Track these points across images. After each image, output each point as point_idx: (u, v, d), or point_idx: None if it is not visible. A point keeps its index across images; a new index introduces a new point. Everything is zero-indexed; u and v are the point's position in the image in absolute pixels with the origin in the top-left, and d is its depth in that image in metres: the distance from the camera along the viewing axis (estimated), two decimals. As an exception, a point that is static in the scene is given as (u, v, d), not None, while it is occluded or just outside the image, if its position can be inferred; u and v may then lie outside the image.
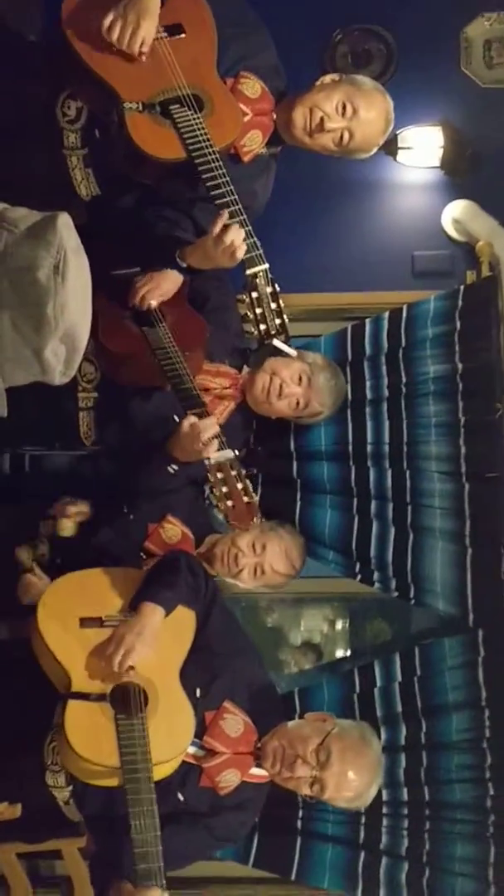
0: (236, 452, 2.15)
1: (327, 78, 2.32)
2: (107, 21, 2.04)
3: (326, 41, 3.16)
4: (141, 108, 2.07)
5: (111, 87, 2.08)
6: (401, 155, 3.03)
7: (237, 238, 2.03)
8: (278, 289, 2.03)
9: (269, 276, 2.03)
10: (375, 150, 2.39)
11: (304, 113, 2.26)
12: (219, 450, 2.12)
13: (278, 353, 2.17)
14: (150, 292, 2.23)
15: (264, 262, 2.04)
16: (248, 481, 2.09)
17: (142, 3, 2.05)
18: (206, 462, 2.12)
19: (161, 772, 2.05)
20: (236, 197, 2.05)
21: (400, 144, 3.00)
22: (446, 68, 3.12)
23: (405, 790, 2.73)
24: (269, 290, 2.01)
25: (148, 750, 1.99)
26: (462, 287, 2.94)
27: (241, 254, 2.03)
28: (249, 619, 3.59)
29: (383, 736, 2.68)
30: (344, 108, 2.24)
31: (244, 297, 2.04)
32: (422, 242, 3.07)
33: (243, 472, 2.10)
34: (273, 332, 2.03)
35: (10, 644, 2.40)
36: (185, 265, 2.19)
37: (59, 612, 2.15)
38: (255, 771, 2.23)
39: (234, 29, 2.21)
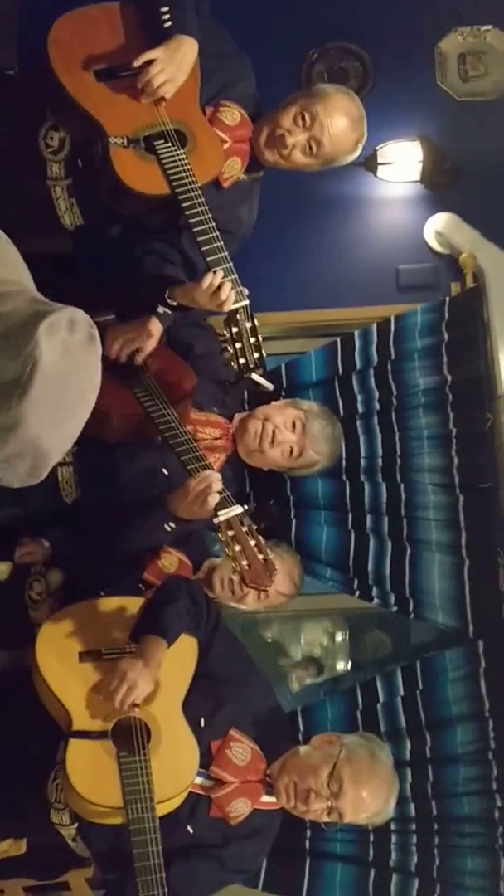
0: (245, 507, 2.07)
1: (287, 97, 2.33)
2: (151, 61, 2.03)
3: (302, 60, 3.19)
4: (126, 143, 2.08)
5: (97, 120, 2.09)
6: (381, 171, 3.04)
7: (229, 291, 2.04)
8: (257, 324, 2.04)
9: (249, 311, 2.05)
10: (357, 150, 2.36)
11: (266, 134, 2.27)
12: (226, 506, 2.04)
13: (257, 386, 2.17)
14: (127, 343, 2.20)
15: (245, 299, 2.05)
16: (260, 538, 2.00)
17: (187, 58, 2.07)
18: (215, 520, 2.03)
19: (166, 808, 2.02)
20: (218, 234, 2.06)
21: (380, 160, 3.02)
22: (422, 83, 3.15)
23: (412, 805, 2.71)
24: (248, 325, 2.03)
25: (151, 788, 1.96)
26: (448, 299, 2.95)
27: (230, 305, 2.04)
28: (249, 634, 3.57)
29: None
30: (302, 118, 2.24)
31: (224, 331, 2.05)
32: (405, 256, 3.08)
33: (254, 527, 2.02)
34: (252, 366, 2.03)
35: (11, 675, 2.36)
36: (174, 304, 2.19)
37: (57, 646, 2.11)
38: (266, 798, 2.20)
39: (215, 60, 2.23)
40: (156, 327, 2.23)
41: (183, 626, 2.13)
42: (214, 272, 2.04)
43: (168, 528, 2.19)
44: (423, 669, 2.78)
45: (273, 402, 2.58)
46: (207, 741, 2.15)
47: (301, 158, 2.29)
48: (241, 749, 2.17)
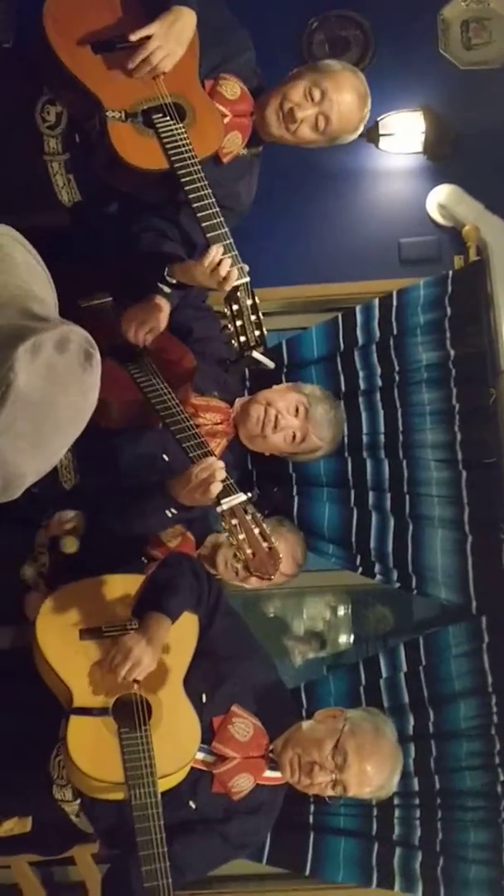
0: (249, 495, 2.03)
1: (294, 71, 2.31)
2: (148, 37, 2.01)
3: (302, 29, 3.13)
4: (123, 116, 2.05)
5: (94, 94, 2.06)
6: (383, 142, 3.00)
7: (230, 268, 2.01)
8: (258, 301, 2.02)
9: (250, 288, 2.02)
10: (360, 128, 2.35)
11: (275, 107, 2.24)
12: (230, 493, 2.00)
13: (258, 364, 2.14)
14: (139, 327, 2.18)
15: (245, 276, 2.03)
16: (264, 525, 1.97)
17: (186, 31, 2.04)
18: (218, 509, 1.99)
19: (168, 783, 2.03)
20: (218, 210, 2.03)
21: (381, 131, 2.98)
22: (425, 52, 3.10)
23: (416, 780, 2.73)
24: (249, 302, 2.00)
25: (153, 763, 1.96)
26: (451, 273, 2.92)
27: (231, 283, 2.01)
28: (251, 610, 3.58)
29: (391, 727, 2.68)
30: (311, 93, 2.22)
31: (224, 309, 2.03)
32: (408, 229, 3.05)
33: (259, 515, 1.99)
34: (252, 344, 2.01)
35: (13, 653, 2.36)
36: (174, 282, 2.16)
37: (57, 624, 2.12)
38: (269, 774, 2.21)
39: (214, 33, 2.19)
40: (165, 306, 2.21)
41: (186, 603, 2.13)
42: (215, 248, 2.02)
43: (170, 515, 2.17)
44: (425, 645, 2.79)
45: (275, 387, 2.55)
46: (209, 717, 2.16)
47: (308, 134, 2.27)
48: (244, 724, 2.18)
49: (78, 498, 2.33)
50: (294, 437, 2.49)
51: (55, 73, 2.09)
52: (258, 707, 2.23)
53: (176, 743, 2.06)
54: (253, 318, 1.99)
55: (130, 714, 2.02)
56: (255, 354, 2.04)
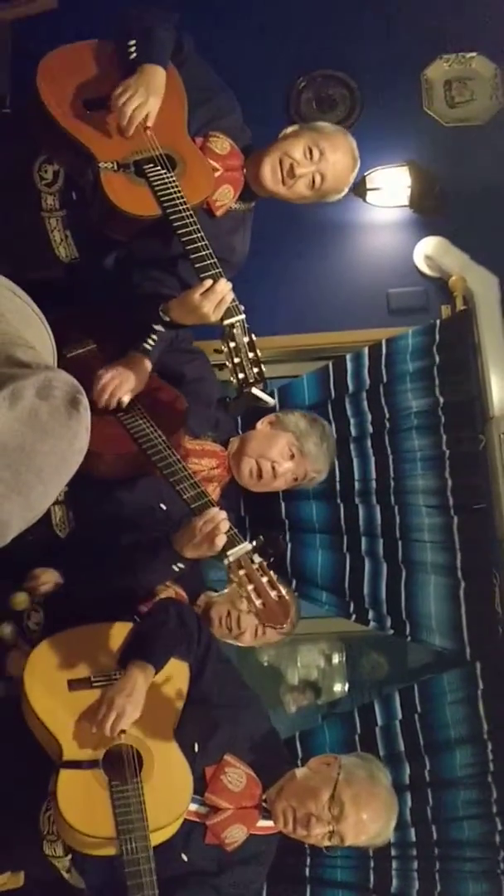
0: (254, 543, 2.00)
1: (289, 129, 2.38)
2: (117, 93, 2.08)
3: (290, 89, 3.23)
4: (116, 167, 2.10)
5: (86, 148, 2.11)
6: (370, 196, 3.08)
7: (225, 289, 2.04)
8: (255, 338, 2.03)
9: (246, 325, 2.03)
10: (347, 189, 2.43)
11: (272, 163, 2.30)
12: (235, 544, 1.98)
13: (257, 400, 2.15)
14: (117, 389, 2.15)
15: (241, 313, 2.04)
16: (272, 573, 1.93)
17: (153, 82, 2.11)
18: (224, 561, 1.97)
19: (160, 837, 1.99)
20: (212, 251, 2.06)
21: (369, 186, 3.06)
22: (409, 110, 3.20)
23: (412, 830, 2.70)
24: (245, 339, 2.01)
25: (145, 817, 1.93)
26: (438, 321, 2.97)
27: (224, 308, 2.03)
28: (245, 658, 3.55)
29: (387, 776, 2.66)
30: (311, 152, 2.30)
31: (222, 346, 2.03)
32: (396, 280, 3.11)
33: (265, 563, 1.95)
34: (252, 381, 2.01)
35: (4, 702, 2.31)
36: (167, 319, 2.18)
37: (46, 675, 2.07)
38: (262, 823, 2.17)
39: (201, 93, 2.27)
40: (146, 367, 2.21)
41: (171, 650, 2.11)
42: (203, 283, 2.04)
43: (177, 569, 2.15)
44: (421, 692, 2.77)
45: (258, 428, 2.52)
46: (202, 767, 2.12)
47: (304, 190, 2.33)
48: (237, 774, 2.15)
49: (72, 548, 2.30)
50: (295, 479, 2.50)
51: (49, 130, 2.15)
52: (251, 756, 2.20)
53: (168, 794, 2.02)
54: (251, 354, 1.99)
55: (121, 766, 1.99)
56: (255, 391, 2.04)
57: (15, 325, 1.30)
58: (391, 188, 3.08)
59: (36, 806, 2.08)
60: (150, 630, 2.13)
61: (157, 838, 1.97)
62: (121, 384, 2.15)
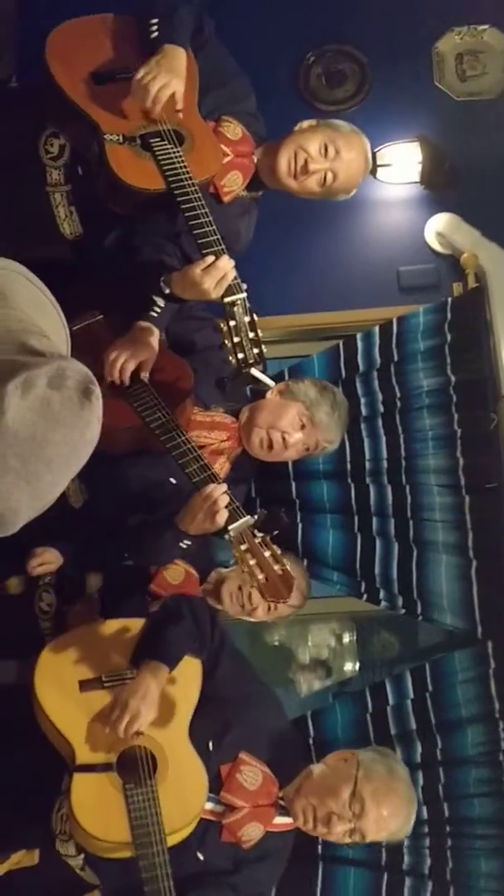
0: (255, 516, 1.98)
1: (305, 123, 2.36)
2: (141, 74, 2.04)
3: (299, 63, 3.19)
4: (121, 139, 2.07)
5: (93, 120, 2.09)
6: (380, 172, 3.04)
7: (227, 266, 2.00)
8: (256, 318, 1.97)
9: (247, 304, 1.98)
10: (355, 191, 2.42)
11: (288, 156, 2.28)
12: (236, 518, 1.95)
13: (256, 382, 2.11)
14: (126, 364, 2.11)
15: (242, 291, 1.99)
16: (275, 547, 1.89)
17: (175, 63, 2.07)
18: (226, 536, 1.94)
19: (176, 838, 1.97)
20: (215, 227, 2.02)
21: (379, 162, 3.02)
22: (420, 84, 3.15)
23: (424, 808, 2.70)
24: (246, 318, 1.95)
25: (160, 820, 1.90)
26: (450, 299, 2.94)
27: (225, 284, 1.98)
28: (256, 639, 3.56)
29: (399, 755, 2.66)
30: (326, 149, 2.28)
31: (222, 325, 1.98)
32: (407, 257, 3.08)
33: (268, 537, 1.92)
34: (251, 362, 1.95)
35: (16, 692, 2.23)
36: (168, 291, 2.13)
37: (57, 677, 2.04)
38: (279, 820, 2.15)
39: (217, 76, 2.24)
40: (154, 337, 2.17)
41: (185, 648, 2.07)
42: (204, 259, 1.99)
43: (184, 546, 2.13)
44: (432, 671, 2.77)
45: (268, 398, 2.46)
46: (216, 765, 2.09)
47: (314, 186, 2.31)
48: (252, 772, 2.11)
49: (87, 520, 2.28)
50: (307, 449, 2.46)
51: (57, 102, 2.13)
52: (267, 753, 2.16)
53: (183, 795, 1.99)
54: (251, 334, 1.94)
55: (135, 768, 1.96)
56: (255, 372, 2.00)
57: (29, 312, 1.30)
58: (401, 164, 3.04)
59: (48, 804, 2.06)
60: (162, 628, 2.10)
61: (172, 840, 1.95)
62: (129, 358, 2.12)
